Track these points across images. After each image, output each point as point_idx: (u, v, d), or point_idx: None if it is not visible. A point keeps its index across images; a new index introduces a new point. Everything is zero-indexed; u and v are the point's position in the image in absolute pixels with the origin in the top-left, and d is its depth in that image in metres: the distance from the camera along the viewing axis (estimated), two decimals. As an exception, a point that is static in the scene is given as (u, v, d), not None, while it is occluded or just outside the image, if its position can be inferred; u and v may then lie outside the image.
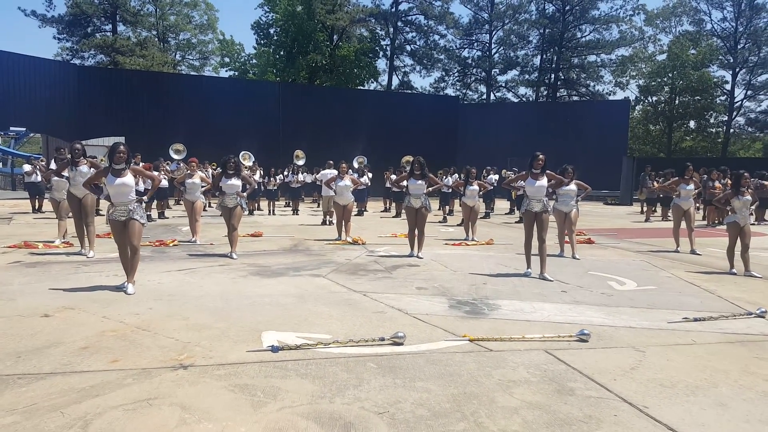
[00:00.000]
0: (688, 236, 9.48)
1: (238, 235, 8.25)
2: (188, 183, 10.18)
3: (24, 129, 28.31)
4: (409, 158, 17.47)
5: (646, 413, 2.95)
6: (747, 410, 3.02)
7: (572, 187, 8.71)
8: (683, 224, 9.71)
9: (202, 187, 10.23)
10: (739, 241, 7.38)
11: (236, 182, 8.10)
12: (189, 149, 17.72)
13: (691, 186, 9.56)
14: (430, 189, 8.56)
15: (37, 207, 15.58)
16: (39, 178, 15.75)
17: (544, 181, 7.01)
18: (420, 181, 8.37)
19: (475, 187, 10.90)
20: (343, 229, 10.32)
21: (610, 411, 2.97)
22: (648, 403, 3.08)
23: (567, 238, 8.94)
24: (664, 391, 3.26)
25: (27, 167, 16.34)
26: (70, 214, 9.26)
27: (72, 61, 38.11)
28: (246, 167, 16.36)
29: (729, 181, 15.21)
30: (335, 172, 14.42)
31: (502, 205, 19.57)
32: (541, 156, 7.05)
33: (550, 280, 6.61)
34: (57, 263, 7.30)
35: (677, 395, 3.20)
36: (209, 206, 16.34)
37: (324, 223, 13.61)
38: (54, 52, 42.42)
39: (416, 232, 8.47)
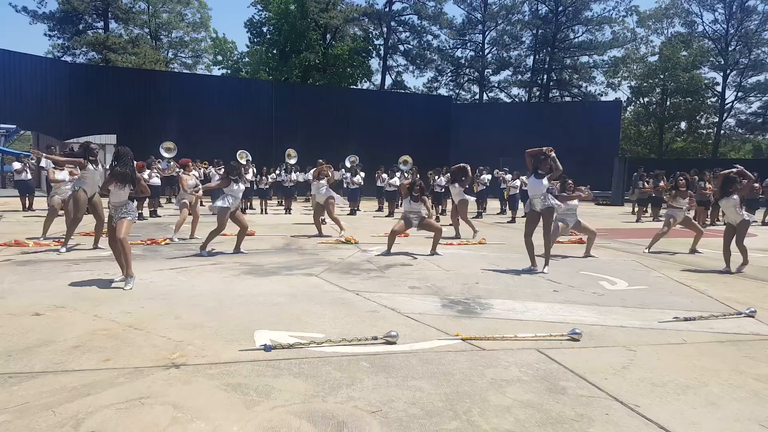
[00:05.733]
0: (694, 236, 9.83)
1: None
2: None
3: (14, 126, 28.09)
4: (407, 158, 17.49)
5: (638, 412, 2.97)
6: (737, 409, 3.05)
7: (576, 202, 9.06)
8: (679, 227, 9.99)
9: (196, 188, 10.17)
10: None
11: (242, 187, 8.42)
12: (181, 148, 17.66)
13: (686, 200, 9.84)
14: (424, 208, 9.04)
15: (27, 205, 15.43)
16: (29, 176, 15.62)
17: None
18: (417, 203, 8.86)
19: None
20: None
21: (602, 410, 2.99)
22: (639, 401, 3.10)
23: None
24: (655, 390, 3.29)
25: (17, 165, 16.16)
26: (61, 212, 9.21)
27: (63, 59, 37.81)
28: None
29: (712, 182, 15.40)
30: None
31: (493, 204, 19.63)
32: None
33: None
34: (48, 261, 7.24)
35: (668, 394, 3.23)
36: (201, 204, 16.27)
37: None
38: (45, 49, 42.04)
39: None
